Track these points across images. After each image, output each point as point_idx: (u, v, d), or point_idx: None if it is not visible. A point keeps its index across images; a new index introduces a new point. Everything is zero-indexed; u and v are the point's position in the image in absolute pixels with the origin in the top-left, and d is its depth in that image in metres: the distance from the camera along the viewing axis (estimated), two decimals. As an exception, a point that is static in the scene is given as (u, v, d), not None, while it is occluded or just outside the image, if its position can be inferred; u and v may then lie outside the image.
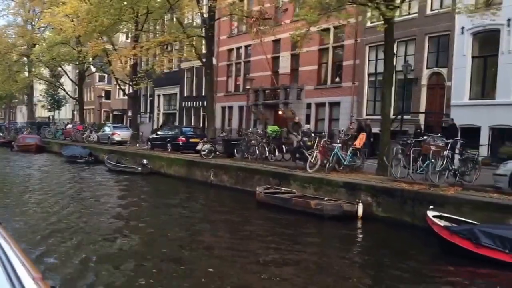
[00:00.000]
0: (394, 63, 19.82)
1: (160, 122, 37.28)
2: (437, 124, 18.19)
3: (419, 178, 10.37)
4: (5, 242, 1.91)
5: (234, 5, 18.29)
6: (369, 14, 11.78)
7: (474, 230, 7.22)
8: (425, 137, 10.75)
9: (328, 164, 12.42)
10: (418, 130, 15.33)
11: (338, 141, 12.76)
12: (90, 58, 26.77)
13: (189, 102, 34.47)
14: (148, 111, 39.83)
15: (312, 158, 12.61)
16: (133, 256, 7.26)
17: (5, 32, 35.29)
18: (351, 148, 12.72)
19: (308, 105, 24.38)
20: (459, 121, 17.64)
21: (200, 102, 32.51)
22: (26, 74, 37.41)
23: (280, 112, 25.20)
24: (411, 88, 19.35)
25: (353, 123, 19.48)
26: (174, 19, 19.08)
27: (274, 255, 7.67)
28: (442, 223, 7.79)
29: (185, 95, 34.97)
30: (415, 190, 9.60)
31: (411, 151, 10.30)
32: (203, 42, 30.52)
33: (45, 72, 36.05)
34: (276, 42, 25.84)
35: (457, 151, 10.55)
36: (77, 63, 29.20)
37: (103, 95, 47.50)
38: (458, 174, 10.10)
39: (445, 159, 9.84)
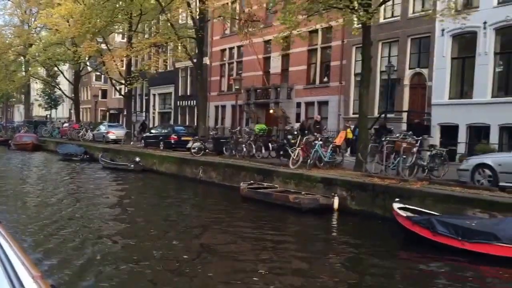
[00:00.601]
0: (379, 64, 20.95)
1: (157, 121, 37.96)
2: (418, 123, 18.87)
3: (392, 174, 11.06)
4: (5, 240, 1.90)
5: (223, 8, 18.88)
6: (346, 18, 12.32)
7: (432, 220, 7.91)
8: (395, 134, 11.40)
9: (309, 160, 13.10)
10: (383, 127, 15.89)
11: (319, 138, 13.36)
12: (86, 58, 27.30)
13: (183, 101, 35.07)
14: (144, 110, 40.47)
15: (294, 155, 13.28)
16: (125, 249, 7.82)
17: (2, 32, 35.86)
18: (331, 146, 13.39)
19: (298, 104, 25.06)
20: (439, 119, 18.39)
21: (194, 101, 33.00)
22: (23, 73, 37.97)
23: (271, 111, 25.88)
24: (395, 87, 20.06)
25: (350, 122, 19.99)
26: (166, 21, 19.57)
27: (253, 242, 8.38)
28: (405, 214, 8.48)
29: (179, 94, 35.57)
30: (385, 184, 10.29)
31: (384, 148, 10.98)
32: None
33: (42, 71, 36.58)
34: (267, 42, 26.48)
35: (426, 147, 11.21)
36: (73, 63, 29.76)
37: (99, 94, 48.13)
38: (427, 170, 10.79)
39: (415, 155, 10.53)
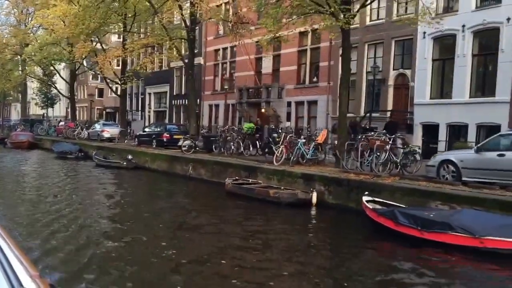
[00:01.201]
0: (365, 65, 21.63)
1: (152, 119, 38.54)
2: (402, 122, 19.58)
3: (367, 170, 11.73)
4: (2, 239, 1.89)
5: (212, 10, 19.52)
6: (328, 23, 12.96)
7: (395, 211, 8.59)
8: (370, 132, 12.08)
9: (292, 157, 13.77)
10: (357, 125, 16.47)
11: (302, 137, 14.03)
12: (81, 58, 27.87)
13: (178, 100, 35.68)
14: (140, 109, 41.08)
15: (278, 153, 13.95)
16: (116, 241, 8.37)
17: (-1, 31, 36.48)
18: (313, 143, 14.06)
19: (289, 104, 25.70)
20: (421, 119, 19.08)
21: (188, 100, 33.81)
22: (20, 72, 38.50)
23: (263, 110, 26.54)
24: (380, 88, 20.75)
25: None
26: (159, 22, 20.18)
27: (231, 232, 9.06)
28: (372, 206, 9.16)
29: (174, 93, 36.16)
30: (359, 179, 10.96)
31: (359, 145, 11.65)
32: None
33: (38, 70, 37.13)
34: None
35: (399, 145, 11.88)
36: (68, 62, 30.35)
37: (96, 93, 48.72)
38: (399, 166, 11.46)
39: (388, 152, 11.20)
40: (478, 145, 10.26)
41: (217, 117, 31.74)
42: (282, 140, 14.12)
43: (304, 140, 13.99)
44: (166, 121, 35.21)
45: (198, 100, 33.26)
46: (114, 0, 19.24)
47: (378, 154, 11.28)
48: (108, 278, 6.30)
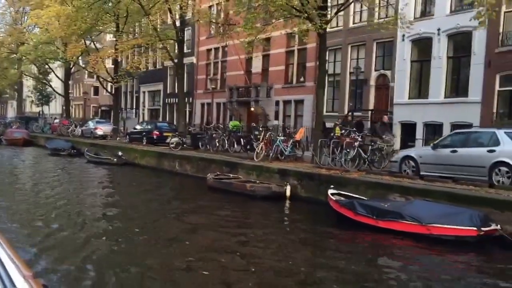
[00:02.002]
0: (348, 65, 22.40)
1: (146, 117, 39.26)
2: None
3: (338, 165, 12.50)
4: None
5: (201, 12, 20.24)
6: (303, 27, 13.72)
7: (354, 203, 9.37)
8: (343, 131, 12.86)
9: (271, 154, 14.53)
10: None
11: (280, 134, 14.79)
12: (74, 57, 28.53)
13: (171, 99, 36.35)
14: (134, 107, 41.78)
15: (258, 149, 14.71)
16: (103, 231, 9.13)
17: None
18: (291, 140, 14.83)
19: (277, 103, 26.45)
20: (400, 118, 19.85)
21: (181, 99, 34.58)
22: (16, 70, 39.14)
23: (252, 109, 27.30)
24: (362, 88, 21.53)
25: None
26: (149, 23, 20.88)
27: (208, 222, 9.85)
28: (335, 198, 9.94)
29: (168, 92, 36.86)
30: (329, 174, 11.74)
31: (331, 142, 12.42)
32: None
33: (33, 69, 37.79)
34: (249, 43, 27.82)
35: (367, 142, 12.64)
36: (63, 61, 31.02)
37: (91, 91, 49.32)
38: (367, 162, 12.23)
39: (356, 149, 11.97)
40: (435, 142, 11.03)
41: (209, 115, 32.48)
42: (262, 137, 14.88)
43: (283, 138, 14.75)
44: (160, 119, 35.96)
45: (190, 99, 34.18)
46: (105, 2, 19.88)
47: (348, 150, 12.05)
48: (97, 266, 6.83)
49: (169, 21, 27.72)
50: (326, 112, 23.73)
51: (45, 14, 23.80)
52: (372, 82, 21.24)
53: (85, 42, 26.54)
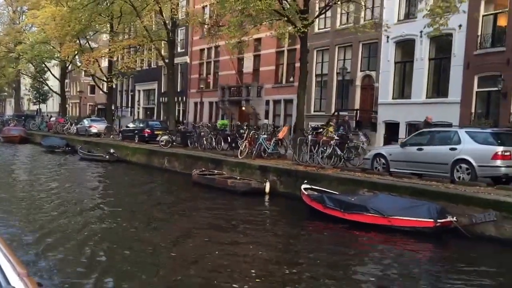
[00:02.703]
0: (335, 66, 22.94)
1: (141, 116, 39.82)
2: (367, 120, 20.93)
3: (315, 162, 13.06)
4: None
5: (191, 14, 20.79)
6: (285, 30, 14.28)
7: (323, 197, 9.94)
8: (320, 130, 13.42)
9: (254, 151, 15.09)
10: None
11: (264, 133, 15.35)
12: (70, 57, 29.08)
13: (166, 97, 36.74)
14: (130, 105, 42.34)
15: (242, 147, 15.27)
16: (88, 222, 9.73)
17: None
18: (274, 139, 15.39)
19: (267, 102, 27.00)
20: (384, 117, 20.39)
21: (176, 98, 35.12)
22: (13, 69, 39.68)
23: (243, 108, 27.87)
24: (348, 88, 22.09)
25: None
26: (141, 24, 21.40)
27: (190, 215, 10.46)
28: (306, 192, 10.50)
29: (162, 91, 37.38)
30: (305, 171, 12.30)
31: (309, 141, 12.98)
32: (178, 44, 33.32)
33: (31, 67, 38.29)
34: (241, 43, 28.37)
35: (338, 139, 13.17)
36: (59, 60, 31.55)
37: (88, 89, 49.89)
38: (343, 159, 12.79)
39: (332, 147, 12.53)
40: (403, 140, 11.58)
41: (202, 114, 33.05)
42: (246, 135, 15.43)
43: (265, 136, 15.31)
44: (154, 117, 36.51)
45: (184, 98, 34.73)
46: (98, 3, 20.43)
47: (324, 148, 12.60)
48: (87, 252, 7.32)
49: (157, 23, 28.45)
50: (314, 111, 24.37)
51: (41, 14, 24.33)
52: (358, 82, 21.79)
53: (79, 42, 27.08)
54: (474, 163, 9.61)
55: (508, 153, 9.45)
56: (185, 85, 34.20)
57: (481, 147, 9.68)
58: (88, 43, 27.80)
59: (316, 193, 10.63)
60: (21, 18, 39.42)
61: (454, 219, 8.60)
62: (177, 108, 35.78)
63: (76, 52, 26.00)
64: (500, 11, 16.61)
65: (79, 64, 36.72)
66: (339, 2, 15.98)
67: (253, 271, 6.67)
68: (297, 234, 9.36)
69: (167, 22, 21.14)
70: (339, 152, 12.73)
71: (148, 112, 39.31)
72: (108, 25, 25.94)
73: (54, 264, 6.62)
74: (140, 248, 7.54)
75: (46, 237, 8.08)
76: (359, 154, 13.07)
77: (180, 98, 35.60)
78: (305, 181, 11.05)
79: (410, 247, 8.44)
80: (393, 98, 20.09)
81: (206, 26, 21.01)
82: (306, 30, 14.33)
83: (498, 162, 9.48)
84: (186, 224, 9.71)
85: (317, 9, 18.95)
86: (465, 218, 8.52)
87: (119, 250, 7.43)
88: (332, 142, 12.59)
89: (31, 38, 32.02)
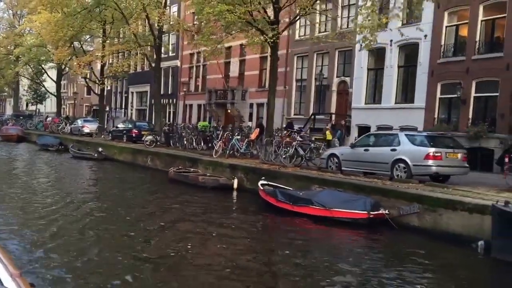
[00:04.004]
0: (314, 72, 24.10)
1: (134, 117, 40.99)
2: (342, 124, 22.04)
3: (278, 161, 14.19)
4: None
5: (175, 22, 21.99)
6: (256, 39, 15.46)
7: (276, 191, 11.07)
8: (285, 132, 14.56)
9: (227, 151, 16.23)
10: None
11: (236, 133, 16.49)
12: (65, 60, 30.26)
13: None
14: (123, 106, 43.56)
15: (217, 147, 16.42)
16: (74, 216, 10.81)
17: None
18: (246, 140, 16.53)
19: (251, 105, 28.18)
20: (357, 121, 21.53)
21: (167, 100, 36.43)
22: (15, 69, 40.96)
23: (229, 111, 29.05)
24: (325, 93, 23.25)
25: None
26: (129, 30, 22.59)
27: (162, 207, 11.61)
28: (263, 188, 11.63)
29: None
30: (268, 169, 13.44)
31: (274, 141, 14.13)
32: (170, 48, 34.53)
33: (28, 69, 39.55)
34: (228, 48, 29.62)
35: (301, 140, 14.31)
36: (55, 63, 32.78)
37: (84, 90, 51.06)
38: (305, 159, 13.92)
39: (294, 148, 13.67)
40: (353, 142, 12.69)
41: (190, 116, 34.23)
42: (220, 136, 16.58)
43: (239, 137, 16.45)
44: (146, 118, 37.68)
45: (174, 100, 35.92)
46: (90, 10, 21.62)
47: (287, 149, 13.75)
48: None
49: (146, 29, 29.61)
50: (294, 114, 25.54)
51: (37, 19, 25.54)
52: (334, 87, 22.95)
53: (73, 46, 28.29)
54: (409, 163, 10.73)
55: (439, 154, 10.58)
56: (176, 87, 35.40)
57: (416, 148, 10.80)
58: (82, 47, 29.00)
59: (271, 188, 11.75)
60: (20, 21, 40.68)
61: (386, 211, 9.71)
62: (168, 109, 37.27)
63: (70, 56, 27.17)
64: (461, 22, 17.79)
65: (70, 68, 38.12)
66: (320, 10, 17.07)
67: (205, 254, 7.80)
68: (251, 223, 10.48)
69: (153, 28, 22.32)
70: (301, 152, 13.86)
71: (141, 114, 40.50)
72: (101, 30, 27.19)
73: (47, 264, 6.67)
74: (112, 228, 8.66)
75: (39, 236, 8.23)
76: (320, 155, 14.18)
77: (171, 100, 36.85)
78: (263, 178, 12.17)
79: (346, 235, 9.57)
80: (365, 103, 21.24)
81: (190, 32, 22.15)
82: (276, 40, 15.45)
83: (430, 162, 10.60)
84: (154, 213, 10.83)
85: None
86: (394, 210, 9.64)
87: (105, 249, 7.77)
88: (294, 143, 13.73)
89: (29, 41, 33.25)
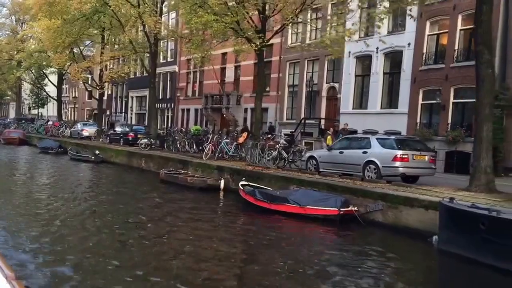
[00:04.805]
0: (305, 78, 24.88)
1: (134, 121, 41.89)
2: (331, 128, 22.76)
3: (263, 164, 14.94)
4: None
5: (169, 31, 22.89)
6: (243, 47, 16.28)
7: (255, 191, 11.83)
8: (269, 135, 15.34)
9: (217, 154, 17.01)
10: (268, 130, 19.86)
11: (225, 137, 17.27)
12: (66, 65, 31.23)
13: (156, 104, 38.92)
14: (123, 111, 44.48)
15: (206, 150, 17.20)
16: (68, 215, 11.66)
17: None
18: (234, 143, 17.31)
19: (245, 110, 28.97)
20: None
21: (165, 104, 37.37)
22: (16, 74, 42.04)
23: (224, 115, 29.85)
24: (315, 98, 24.03)
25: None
26: (126, 37, 23.47)
27: (151, 205, 12.38)
28: (244, 188, 12.39)
29: (154, 98, 39.46)
30: (252, 170, 14.19)
31: (258, 144, 14.89)
32: (168, 54, 35.47)
33: (30, 74, 40.59)
34: (224, 54, 30.50)
35: (285, 144, 15.07)
36: (55, 68, 33.77)
37: (86, 95, 52.04)
38: (287, 161, 14.68)
39: (277, 150, 14.44)
40: (330, 145, 13.44)
41: (188, 120, 35.08)
42: (210, 140, 17.37)
43: (227, 140, 17.23)
44: (145, 123, 38.55)
45: (172, 104, 36.80)
46: (87, 18, 22.55)
47: (271, 152, 14.51)
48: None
49: (142, 36, 30.48)
50: (286, 119, 26.34)
51: (38, 26, 26.49)
52: (324, 93, 23.73)
53: (73, 52, 29.24)
54: (379, 164, 11.46)
55: (406, 156, 11.31)
56: (174, 92, 36.27)
57: (385, 151, 11.53)
58: (82, 52, 29.95)
59: (250, 188, 12.50)
60: (23, 27, 41.78)
61: (355, 208, 10.45)
62: (166, 114, 38.18)
63: (69, 62, 28.11)
64: (442, 32, 18.54)
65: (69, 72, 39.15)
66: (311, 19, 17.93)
67: (188, 246, 8.50)
68: (229, 218, 11.28)
69: (149, 35, 23.20)
70: (284, 155, 14.62)
71: (141, 118, 41.37)
72: (100, 37, 28.14)
73: (42, 267, 6.67)
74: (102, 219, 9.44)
75: (34, 238, 8.35)
76: (302, 157, 14.94)
77: (169, 104, 37.74)
78: (243, 179, 12.93)
79: (318, 231, 10.31)
80: (353, 108, 21.99)
81: (185, 39, 22.98)
82: (262, 48, 16.26)
83: (397, 163, 11.33)
84: (144, 209, 11.61)
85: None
86: (362, 208, 10.37)
87: (102, 252, 7.76)
88: (277, 146, 14.50)
89: (31, 47, 34.26)
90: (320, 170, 13.10)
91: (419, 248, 8.88)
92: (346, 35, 12.88)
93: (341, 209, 10.38)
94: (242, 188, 12.37)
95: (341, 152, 12.54)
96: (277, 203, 11.20)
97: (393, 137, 12.09)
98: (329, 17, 13.63)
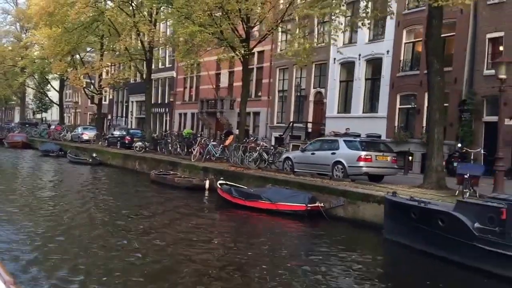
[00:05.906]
0: (294, 83, 25.94)
1: (134, 125, 43.10)
2: (317, 131, 23.82)
3: (245, 164, 16.00)
4: None
5: (164, 37, 24.07)
6: (228, 54, 17.40)
7: (231, 189, 12.88)
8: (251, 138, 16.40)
9: (204, 155, 18.08)
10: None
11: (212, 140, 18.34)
12: (66, 72, 32.52)
13: (156, 108, 40.09)
14: (124, 115, 45.73)
15: (194, 152, 18.29)
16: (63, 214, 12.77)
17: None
18: (221, 146, 18.38)
19: (239, 114, 30.02)
20: (331, 129, 23.21)
21: (164, 109, 38.61)
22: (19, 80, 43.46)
23: (219, 119, 30.96)
24: (303, 102, 25.07)
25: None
26: (122, 45, 24.66)
27: (139, 203, 13.43)
28: (221, 186, 13.43)
29: (153, 102, 40.63)
30: (234, 170, 15.25)
31: (241, 146, 15.95)
32: (165, 60, 36.71)
33: (33, 79, 41.97)
34: (219, 61, 31.59)
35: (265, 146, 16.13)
36: (57, 74, 35.09)
37: (88, 99, 53.39)
38: (267, 162, 15.71)
39: (257, 152, 15.47)
40: (303, 147, 14.47)
41: (185, 124, 36.21)
42: (198, 142, 18.45)
43: (214, 143, 18.30)
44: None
45: (170, 109, 37.97)
46: (85, 27, 23.78)
47: (251, 153, 15.57)
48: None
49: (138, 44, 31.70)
50: (276, 123, 27.39)
51: (39, 34, 27.77)
52: (311, 98, 24.76)
53: (72, 59, 30.52)
54: (345, 164, 12.47)
55: (369, 157, 12.31)
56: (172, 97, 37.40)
57: (351, 152, 12.54)
58: (81, 59, 31.23)
59: (227, 186, 13.53)
60: (26, 34, 43.21)
61: (321, 204, 11.46)
62: (164, 118, 39.39)
63: (70, 68, 29.39)
64: (417, 40, 19.54)
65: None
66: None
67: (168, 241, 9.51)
68: (207, 213, 12.37)
69: (144, 43, 24.38)
70: (265, 156, 15.67)
71: (141, 122, 42.54)
72: (99, 44, 29.39)
73: (41, 272, 6.69)
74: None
75: (31, 242, 8.48)
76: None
77: (167, 109, 38.92)
78: (221, 178, 13.98)
79: (286, 224, 11.32)
80: (338, 112, 23.00)
81: (177, 47, 24.12)
82: (246, 56, 17.35)
83: (361, 163, 12.34)
84: (131, 207, 12.67)
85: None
86: (327, 203, 11.39)
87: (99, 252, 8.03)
88: (258, 148, 15.55)
89: (34, 54, 35.60)
90: (295, 170, 14.13)
91: (371, 239, 9.89)
92: (306, 47, 14.05)
93: (309, 205, 11.39)
94: (220, 186, 13.40)
95: (313, 153, 13.57)
96: (251, 200, 12.22)
97: (358, 139, 13.10)
98: (291, 31, 14.80)
